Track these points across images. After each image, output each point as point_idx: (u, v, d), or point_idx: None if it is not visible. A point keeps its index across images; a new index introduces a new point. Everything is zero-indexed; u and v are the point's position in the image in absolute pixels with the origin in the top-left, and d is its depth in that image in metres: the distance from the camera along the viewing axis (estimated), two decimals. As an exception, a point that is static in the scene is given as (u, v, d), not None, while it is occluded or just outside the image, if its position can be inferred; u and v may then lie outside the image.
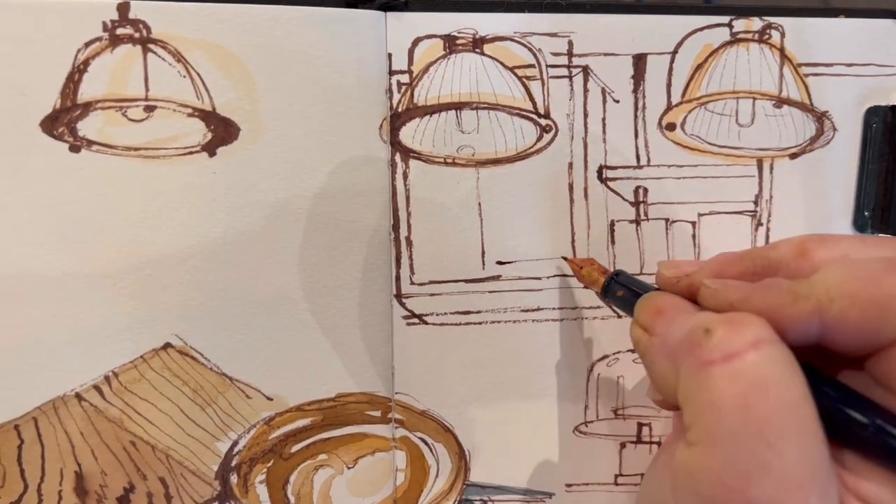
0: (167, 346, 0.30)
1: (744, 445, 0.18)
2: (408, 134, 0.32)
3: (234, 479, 0.32)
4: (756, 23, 0.33)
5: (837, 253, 0.21)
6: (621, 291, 0.27)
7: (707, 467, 0.19)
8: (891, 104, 0.34)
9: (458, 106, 0.32)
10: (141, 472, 0.31)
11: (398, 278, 0.32)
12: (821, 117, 0.34)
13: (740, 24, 0.33)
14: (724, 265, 0.23)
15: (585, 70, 0.32)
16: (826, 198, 0.34)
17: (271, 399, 0.32)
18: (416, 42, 0.31)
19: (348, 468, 0.33)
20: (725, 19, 0.33)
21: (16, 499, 0.30)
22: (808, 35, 0.33)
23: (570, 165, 0.33)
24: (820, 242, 0.21)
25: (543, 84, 0.32)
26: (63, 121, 0.28)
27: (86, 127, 0.29)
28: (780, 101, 0.33)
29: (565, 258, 0.33)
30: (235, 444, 0.32)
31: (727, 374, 0.18)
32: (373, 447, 0.33)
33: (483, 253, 0.33)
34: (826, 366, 0.20)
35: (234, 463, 0.32)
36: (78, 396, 0.30)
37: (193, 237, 0.30)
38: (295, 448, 0.32)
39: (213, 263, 0.30)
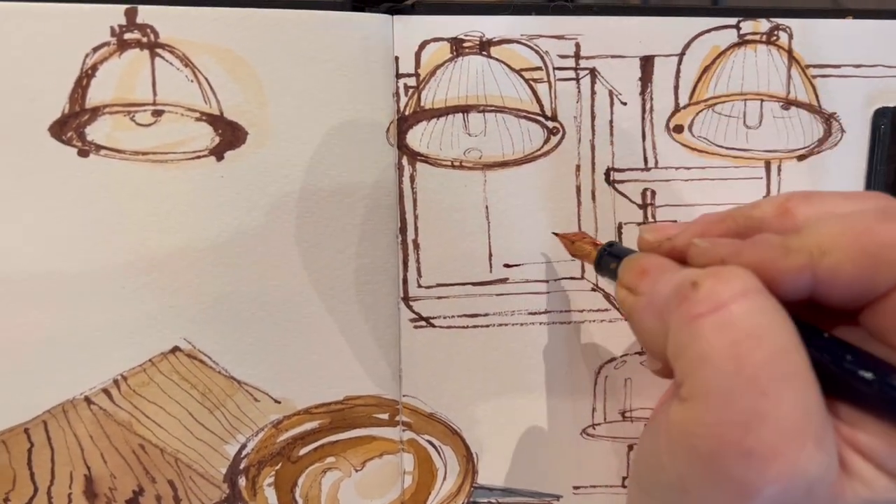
0: (175, 349, 0.30)
1: (738, 395, 0.18)
2: (415, 137, 0.32)
3: (242, 482, 0.32)
4: (764, 24, 0.33)
5: (822, 209, 0.21)
6: (614, 263, 0.26)
7: (702, 421, 0.18)
8: (899, 105, 0.34)
9: (465, 108, 0.32)
10: (150, 475, 0.31)
11: (405, 281, 0.32)
12: (829, 119, 0.34)
13: (748, 26, 0.33)
14: (708, 225, 0.23)
15: (593, 72, 0.32)
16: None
17: (279, 402, 0.32)
18: (423, 45, 0.31)
19: (356, 471, 0.33)
20: (733, 21, 0.33)
21: (26, 502, 0.30)
22: (816, 36, 0.33)
23: (578, 168, 0.33)
24: (803, 199, 0.21)
25: (551, 86, 0.32)
26: (72, 125, 0.28)
27: (94, 131, 0.29)
28: (787, 103, 0.33)
29: (556, 233, 0.32)
30: (244, 447, 0.32)
31: (717, 325, 0.18)
32: (380, 450, 0.33)
33: (490, 256, 0.33)
34: (820, 322, 0.20)
35: (242, 466, 0.32)
36: (87, 400, 0.30)
37: (201, 241, 0.30)
38: (303, 451, 0.32)
39: (221, 267, 0.30)
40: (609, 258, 0.27)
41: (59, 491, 0.30)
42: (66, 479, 0.30)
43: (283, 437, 0.32)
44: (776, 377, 0.17)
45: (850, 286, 0.19)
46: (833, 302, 0.19)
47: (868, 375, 0.18)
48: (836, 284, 0.19)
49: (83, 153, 0.29)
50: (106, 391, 0.30)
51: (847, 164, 0.34)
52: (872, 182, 0.34)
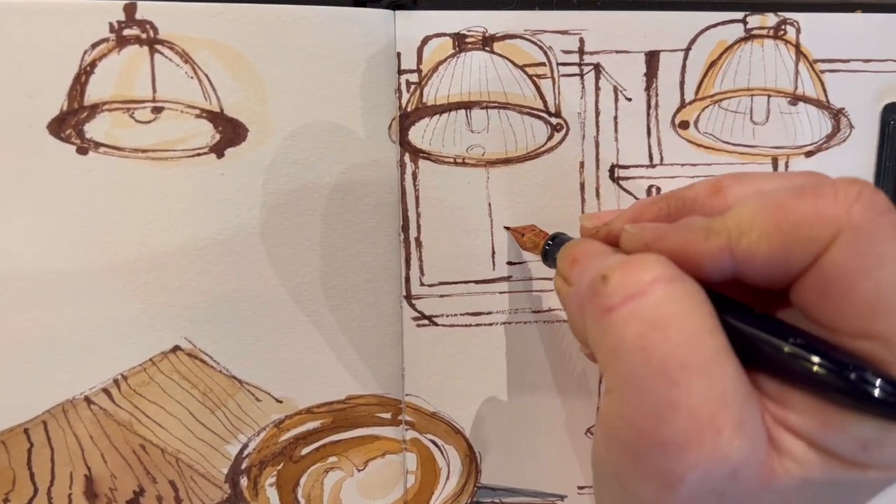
0: (176, 348, 0.30)
1: (649, 386, 0.18)
2: (417, 134, 0.31)
3: (244, 482, 0.32)
4: (771, 18, 0.32)
5: (752, 189, 0.20)
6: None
7: (620, 414, 0.18)
8: (909, 100, 0.33)
9: (467, 105, 0.31)
10: (150, 476, 0.31)
11: (408, 279, 0.32)
12: (837, 114, 0.33)
13: (755, 20, 0.32)
14: (642, 209, 0.23)
15: (597, 68, 0.32)
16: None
17: (281, 401, 0.31)
18: (425, 41, 0.31)
19: (358, 471, 0.33)
20: (739, 15, 0.32)
21: (26, 502, 0.30)
22: (824, 30, 0.33)
23: (582, 165, 0.32)
24: (735, 179, 0.21)
25: (554, 82, 0.32)
26: (70, 123, 0.28)
27: (93, 129, 0.28)
28: (795, 98, 0.33)
29: (507, 227, 0.32)
30: (245, 446, 0.31)
31: (625, 318, 0.18)
32: (383, 449, 0.33)
33: (493, 253, 0.32)
34: (763, 303, 0.20)
35: (243, 466, 0.32)
36: (87, 400, 0.30)
37: (202, 239, 0.30)
38: (305, 451, 0.32)
39: (221, 265, 0.30)
40: (553, 248, 0.27)
41: (59, 491, 0.30)
42: (67, 479, 0.30)
43: (284, 437, 0.32)
44: (686, 365, 0.17)
45: (767, 265, 0.18)
46: (756, 282, 0.19)
47: (777, 343, 0.18)
48: (755, 264, 0.18)
49: (82, 151, 0.28)
50: (106, 391, 0.30)
51: (856, 160, 0.33)
52: (881, 178, 0.34)
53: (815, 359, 0.17)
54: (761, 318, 0.19)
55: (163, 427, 0.30)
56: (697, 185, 0.22)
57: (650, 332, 0.18)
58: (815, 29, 0.33)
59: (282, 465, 0.32)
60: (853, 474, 0.18)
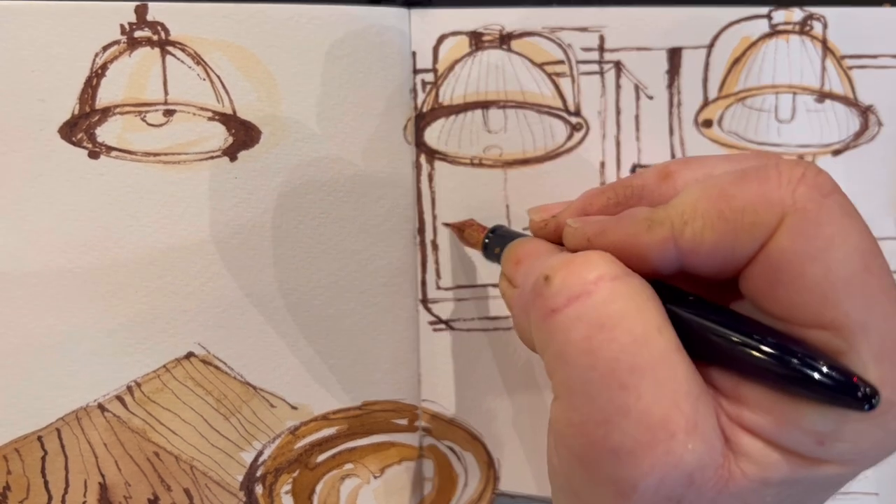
0: (190, 355, 0.30)
1: (597, 391, 0.17)
2: (433, 134, 0.31)
3: (259, 489, 0.31)
4: (797, 13, 0.31)
5: (700, 173, 0.19)
6: (498, 248, 0.24)
7: (570, 421, 0.18)
8: (939, 96, 0.32)
9: (484, 105, 0.31)
10: (165, 483, 0.30)
11: (423, 283, 0.32)
12: (865, 112, 0.32)
13: (780, 16, 0.31)
14: (589, 200, 0.22)
15: (618, 65, 0.31)
16: (870, 196, 0.33)
17: (296, 408, 0.31)
18: (440, 39, 0.30)
19: (375, 477, 0.32)
20: (764, 10, 0.31)
21: (40, 510, 0.30)
22: (852, 25, 0.32)
23: (602, 165, 0.32)
24: (684, 164, 0.20)
25: (574, 80, 0.31)
26: (82, 127, 0.28)
27: (105, 132, 0.28)
28: (822, 96, 0.32)
29: (446, 223, 0.31)
30: (260, 454, 0.31)
31: (569, 320, 0.17)
32: (399, 456, 0.32)
33: (512, 257, 0.32)
34: (717, 297, 0.19)
35: (259, 473, 0.31)
36: (101, 407, 0.29)
37: (215, 243, 0.29)
38: (321, 457, 0.32)
39: (235, 270, 0.30)
40: (494, 243, 0.25)
41: (73, 499, 0.30)
42: (81, 487, 0.30)
43: (300, 444, 0.31)
44: (634, 367, 0.17)
45: (713, 255, 0.17)
46: (705, 272, 0.18)
47: (742, 338, 0.17)
48: (701, 254, 0.17)
49: (94, 155, 0.28)
50: (119, 398, 0.29)
51: (885, 158, 0.33)
52: (911, 177, 0.33)
53: (762, 347, 0.16)
54: (711, 308, 0.18)
55: (177, 434, 0.30)
56: (647, 172, 0.21)
57: (596, 334, 0.17)
58: (843, 24, 0.32)
59: (297, 472, 0.31)
60: (812, 471, 0.17)
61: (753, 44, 0.31)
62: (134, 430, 0.30)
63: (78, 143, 0.28)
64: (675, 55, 0.31)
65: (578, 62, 0.31)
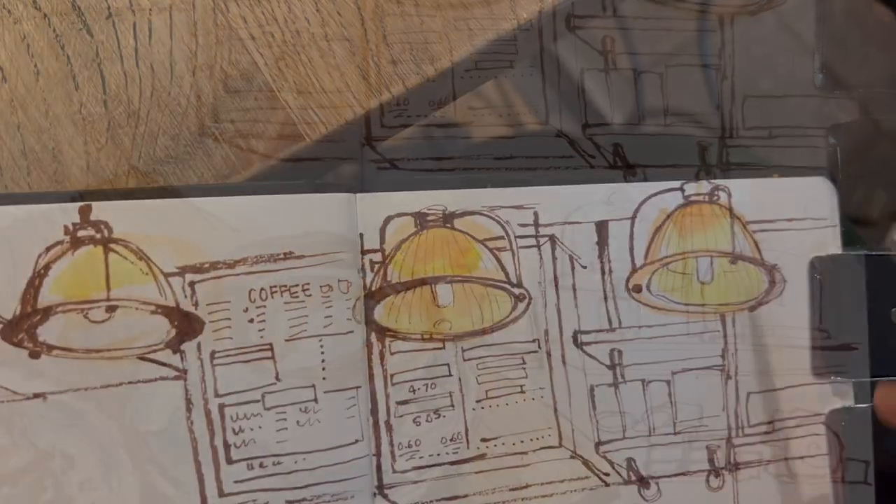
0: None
1: None
2: (383, 312, 0.31)
3: None
4: (705, 185, 0.35)
5: None
6: None
7: None
8: (829, 253, 0.36)
9: (432, 280, 0.31)
10: None
11: (379, 468, 0.30)
12: (771, 270, 0.35)
13: (691, 188, 0.35)
14: None
15: (552, 238, 0.33)
16: (782, 348, 0.35)
17: None
18: (387, 220, 0.31)
19: None
20: (677, 184, 0.34)
21: None
22: (750, 194, 0.35)
23: (546, 332, 0.33)
24: None
25: (514, 254, 0.32)
26: (23, 327, 0.26)
27: (46, 332, 0.26)
28: (734, 258, 0.35)
29: None
30: None
31: None
32: None
33: (466, 431, 0.31)
34: None
35: None
36: None
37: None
38: None
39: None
40: None
41: None
42: None
43: None
44: None
45: None
46: None
47: None
48: None
49: (34, 355, 0.26)
50: None
51: (793, 311, 0.36)
52: (817, 326, 0.36)
53: None
54: None
55: None
56: None
57: None
58: (743, 193, 0.35)
59: None
60: None
61: (671, 214, 0.34)
62: None
63: (18, 344, 0.26)
64: (602, 227, 0.34)
65: (517, 237, 0.33)
